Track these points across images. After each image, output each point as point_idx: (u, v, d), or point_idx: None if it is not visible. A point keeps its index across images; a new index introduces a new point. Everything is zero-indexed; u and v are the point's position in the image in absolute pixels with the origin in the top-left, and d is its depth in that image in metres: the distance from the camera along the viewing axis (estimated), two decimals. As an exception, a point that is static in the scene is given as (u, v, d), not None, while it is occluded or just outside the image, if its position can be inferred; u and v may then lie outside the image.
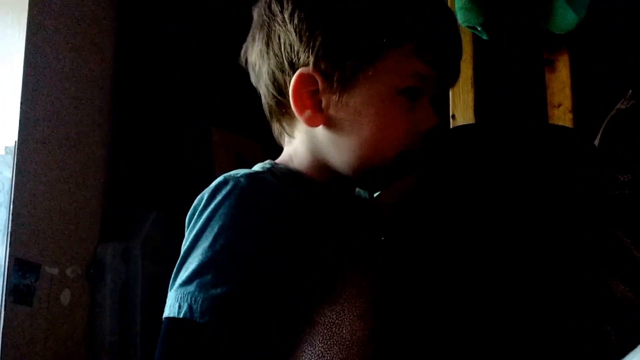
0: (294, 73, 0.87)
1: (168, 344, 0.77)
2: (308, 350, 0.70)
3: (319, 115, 0.88)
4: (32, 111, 1.80)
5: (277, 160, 0.95)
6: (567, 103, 1.40)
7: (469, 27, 1.42)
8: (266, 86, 0.92)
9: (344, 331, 0.69)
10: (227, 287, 0.75)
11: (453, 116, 1.51)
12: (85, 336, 1.95)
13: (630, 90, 1.07)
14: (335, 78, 0.86)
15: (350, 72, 0.86)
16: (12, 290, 1.70)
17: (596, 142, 1.08)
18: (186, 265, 0.78)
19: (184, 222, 0.85)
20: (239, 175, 0.82)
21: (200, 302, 0.74)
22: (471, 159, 0.85)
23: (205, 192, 0.82)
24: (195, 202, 0.83)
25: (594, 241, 0.77)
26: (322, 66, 0.86)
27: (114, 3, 2.14)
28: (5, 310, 1.68)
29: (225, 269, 0.76)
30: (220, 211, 0.79)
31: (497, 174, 0.82)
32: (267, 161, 0.93)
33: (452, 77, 0.95)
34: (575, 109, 1.40)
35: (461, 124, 1.47)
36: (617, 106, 1.02)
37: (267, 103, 0.94)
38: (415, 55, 0.87)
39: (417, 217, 0.78)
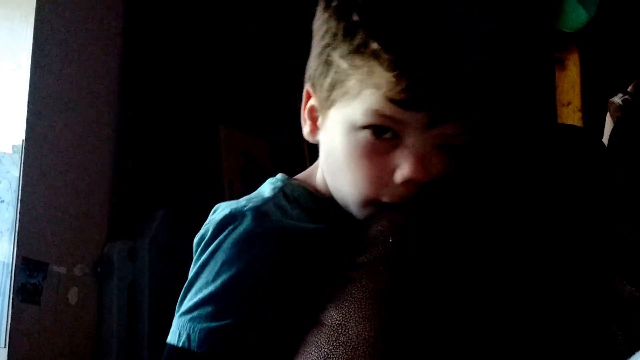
0: None
1: None
2: (314, 352, 0.70)
3: (315, 131, 0.89)
4: (39, 109, 1.80)
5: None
6: (577, 102, 1.40)
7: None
8: None
9: (350, 332, 0.69)
10: (226, 320, 0.76)
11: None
12: (93, 334, 1.95)
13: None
14: (318, 96, 0.85)
15: (326, 93, 0.83)
16: (20, 289, 1.70)
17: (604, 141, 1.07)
18: (190, 294, 0.79)
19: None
20: (245, 209, 0.81)
21: (197, 333, 0.75)
22: (480, 159, 0.84)
23: (211, 224, 0.82)
24: (202, 230, 0.83)
25: (600, 240, 0.77)
26: (311, 82, 0.87)
27: (121, 2, 2.14)
28: (12, 309, 1.68)
29: (224, 303, 0.77)
30: (224, 246, 0.79)
31: (505, 173, 0.81)
32: (280, 177, 0.90)
33: (449, 119, 0.77)
34: (585, 108, 1.39)
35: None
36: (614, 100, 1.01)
37: None
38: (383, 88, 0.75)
39: (427, 218, 0.78)
